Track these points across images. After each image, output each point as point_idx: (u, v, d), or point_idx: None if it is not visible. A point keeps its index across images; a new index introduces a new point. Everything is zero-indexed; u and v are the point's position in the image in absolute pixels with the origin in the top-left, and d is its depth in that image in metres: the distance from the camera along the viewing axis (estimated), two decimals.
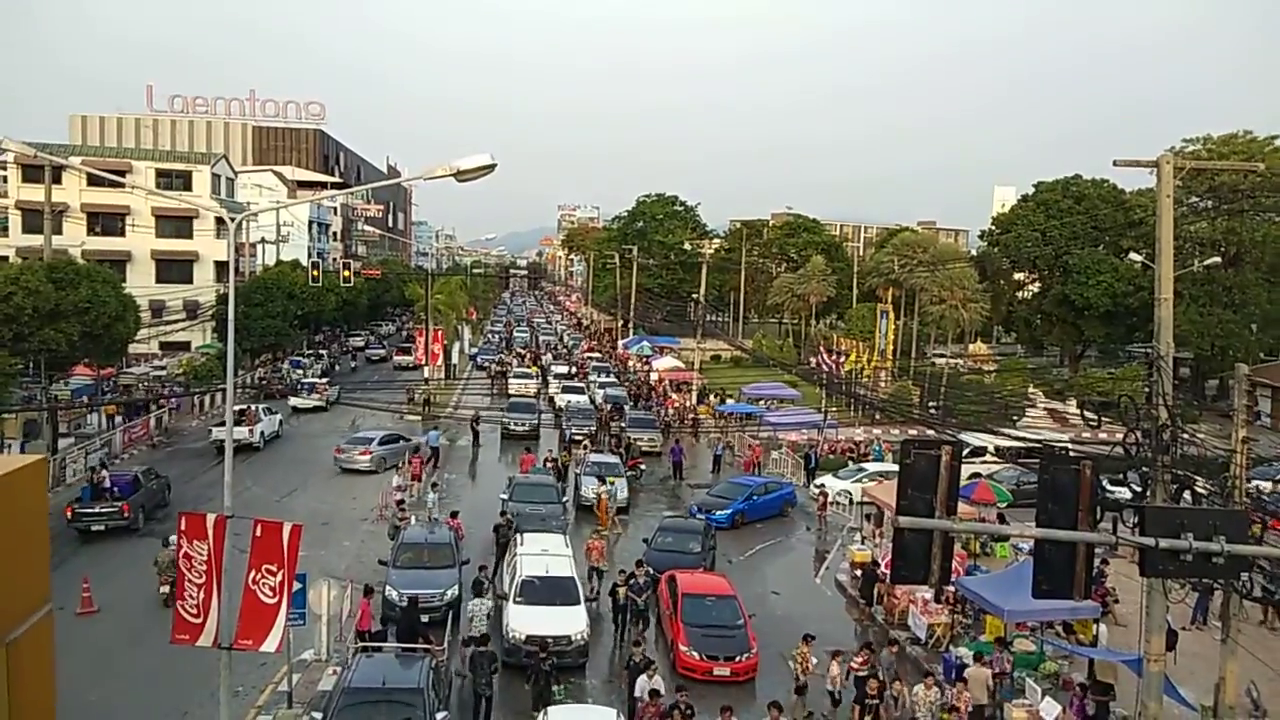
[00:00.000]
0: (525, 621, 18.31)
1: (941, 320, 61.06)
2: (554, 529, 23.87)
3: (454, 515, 24.62)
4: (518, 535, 22.54)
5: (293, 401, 46.11)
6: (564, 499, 27.90)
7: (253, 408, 38.68)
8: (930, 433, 35.72)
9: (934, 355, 66.58)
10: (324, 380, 50.72)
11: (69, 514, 25.15)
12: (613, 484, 29.58)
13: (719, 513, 28.55)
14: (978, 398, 48.43)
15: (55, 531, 23.82)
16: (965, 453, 33.10)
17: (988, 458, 35.16)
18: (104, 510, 25.45)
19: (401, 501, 26.20)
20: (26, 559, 2.24)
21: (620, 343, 75.47)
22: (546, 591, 19.17)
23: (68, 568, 22.34)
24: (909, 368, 58.11)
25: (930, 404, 48.06)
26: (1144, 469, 12.07)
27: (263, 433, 37.55)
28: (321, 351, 62.54)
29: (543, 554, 20.61)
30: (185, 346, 53.39)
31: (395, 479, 29.13)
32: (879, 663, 17.41)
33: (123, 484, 26.48)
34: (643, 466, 34.93)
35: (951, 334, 64.57)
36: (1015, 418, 45.51)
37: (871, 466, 34.35)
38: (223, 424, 35.34)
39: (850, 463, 37.32)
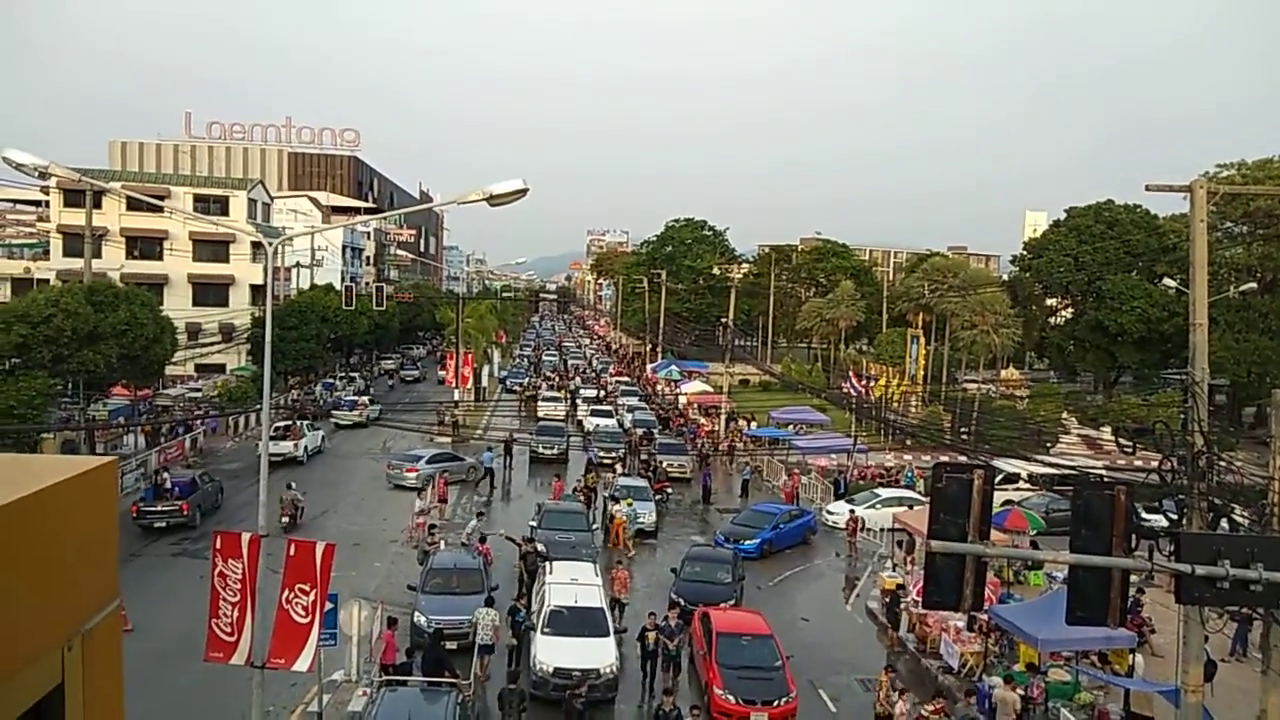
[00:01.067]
0: (554, 654, 17.93)
1: (973, 345, 60.57)
2: (584, 557, 23.67)
3: (482, 540, 24.49)
4: (546, 564, 22.30)
5: (335, 416, 48.21)
6: (594, 526, 27.75)
7: (298, 423, 40.66)
8: (962, 459, 35.38)
9: (965, 381, 66.03)
10: (364, 397, 52.23)
11: (134, 512, 28.02)
12: (630, 505, 29.49)
13: (747, 542, 28.00)
14: (1010, 424, 47.94)
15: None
16: (997, 479, 33.21)
17: (1020, 485, 34.72)
18: (166, 509, 28.34)
19: (433, 526, 26.13)
20: (100, 553, 2.35)
21: (649, 367, 75.55)
22: (575, 622, 18.71)
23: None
24: (940, 393, 57.63)
25: (962, 430, 47.63)
26: (1180, 496, 11.91)
27: (306, 447, 39.60)
28: (354, 374, 63.16)
29: (572, 583, 20.30)
30: (220, 369, 54.17)
31: (417, 502, 28.89)
32: (953, 712, 16.77)
33: (183, 485, 29.59)
34: (669, 490, 34.85)
35: (983, 359, 64.03)
36: (1048, 444, 44.98)
37: (886, 492, 34.02)
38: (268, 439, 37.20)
39: (881, 488, 37.07)
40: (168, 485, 29.40)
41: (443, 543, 24.80)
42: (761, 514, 30.12)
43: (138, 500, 29.04)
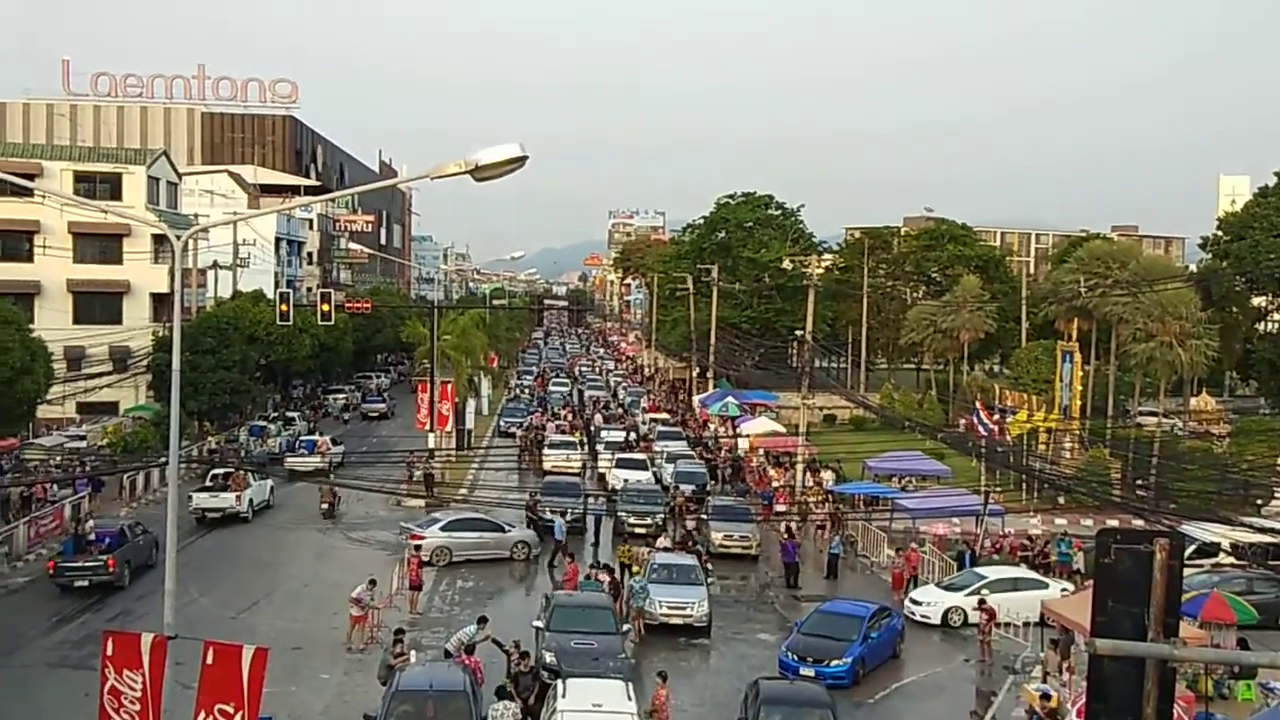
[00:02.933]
0: None
1: (1150, 363, 59.87)
2: (610, 672, 23.29)
3: (469, 651, 24.12)
4: (558, 683, 21.75)
5: (289, 462, 50.73)
6: (625, 628, 27.57)
7: (241, 471, 43.51)
8: (1138, 523, 34.90)
9: (1140, 413, 65.28)
10: (325, 437, 54.37)
11: (51, 569, 31.50)
12: (639, 575, 29.93)
13: (833, 663, 26.57)
14: (1205, 473, 47.26)
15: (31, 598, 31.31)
16: (1189, 551, 32.83)
17: (1221, 559, 34.18)
18: (89, 565, 31.37)
19: (399, 630, 25.87)
20: None
21: (696, 399, 75.51)
22: None
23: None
24: (1105, 431, 57.05)
25: (1137, 482, 46.96)
26: None
27: (251, 500, 41.87)
28: (291, 414, 63.84)
29: (594, 711, 20.01)
30: (112, 408, 54.89)
31: (360, 588, 28.46)
32: None
33: (110, 537, 32.50)
34: (709, 567, 34.61)
35: (1165, 383, 63.29)
36: (1259, 501, 44.29)
37: (992, 572, 33.63)
38: (203, 490, 41.08)
39: (1023, 563, 36.68)
40: (91, 537, 32.52)
41: (413, 654, 24.44)
42: (840, 618, 28.58)
43: (55, 555, 32.51)
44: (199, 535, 39.56)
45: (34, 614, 29.91)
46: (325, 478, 48.25)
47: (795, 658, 26.89)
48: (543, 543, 37.82)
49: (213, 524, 40.61)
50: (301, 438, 55.65)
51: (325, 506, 42.66)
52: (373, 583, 28.93)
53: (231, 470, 43.29)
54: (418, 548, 35.01)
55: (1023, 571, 34.22)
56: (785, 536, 38.02)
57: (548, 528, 38.38)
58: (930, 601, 32.42)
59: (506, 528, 38.01)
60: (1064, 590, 32.04)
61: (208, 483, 42.41)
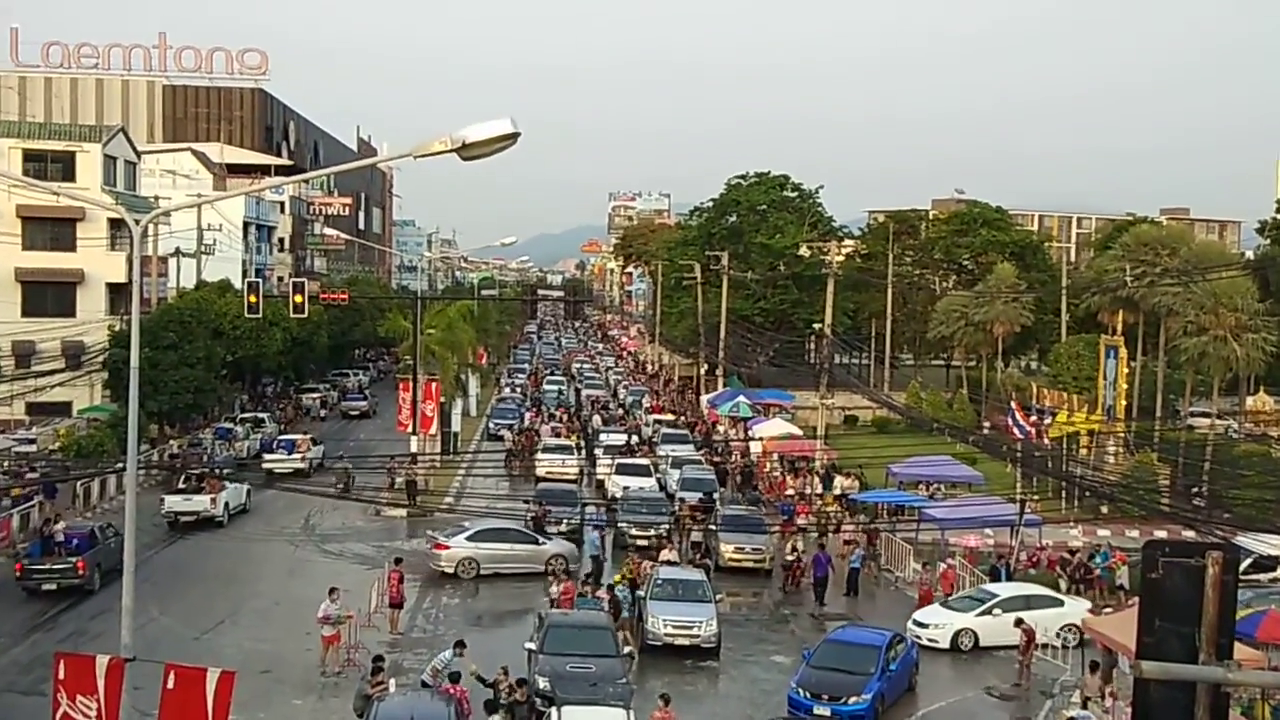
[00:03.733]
0: None
1: (1202, 359, 59.81)
2: (611, 700, 23.24)
3: (454, 679, 24.00)
4: (552, 711, 21.81)
5: (266, 462, 52.27)
6: (625, 650, 27.49)
7: (217, 472, 45.86)
8: (1189, 534, 34.87)
9: (1191, 414, 65.22)
10: (306, 437, 55.68)
11: (19, 571, 33.04)
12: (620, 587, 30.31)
13: (852, 701, 25.79)
14: (1262, 480, 47.23)
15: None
16: (1245, 565, 32.77)
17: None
18: (56, 567, 33.06)
19: (378, 658, 25.78)
20: None
21: (704, 399, 75.53)
22: None
23: None
24: (1152, 434, 57.01)
25: (1188, 490, 46.93)
26: None
27: (227, 504, 43.20)
28: (261, 415, 63.91)
29: None
30: (64, 409, 54.94)
31: (324, 605, 28.29)
32: None
33: (79, 539, 34.00)
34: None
35: (1219, 381, 63.24)
36: None
37: (1003, 589, 33.52)
38: (176, 493, 42.27)
39: (1063, 579, 36.67)
40: (60, 539, 34.18)
41: (392, 683, 24.24)
42: (854, 648, 27.77)
43: (23, 558, 34.02)
44: (164, 545, 39.86)
45: None
46: (305, 479, 49.62)
47: (808, 695, 25.95)
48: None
49: (186, 527, 41.64)
50: (279, 437, 56.59)
51: (340, 487, 45.59)
52: (333, 591, 28.68)
53: (205, 472, 44.93)
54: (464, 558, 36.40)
55: (1035, 589, 34.07)
56: (819, 548, 38.22)
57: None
58: (938, 624, 31.96)
59: (541, 540, 38.24)
60: (1088, 608, 32.04)
61: (180, 484, 43.32)
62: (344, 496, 44.06)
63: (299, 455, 52.75)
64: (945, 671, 30.54)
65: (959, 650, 31.31)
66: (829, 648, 27.96)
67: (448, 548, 36.96)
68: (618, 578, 34.22)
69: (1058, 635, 31.16)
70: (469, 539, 37.33)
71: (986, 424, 65.01)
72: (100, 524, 36.72)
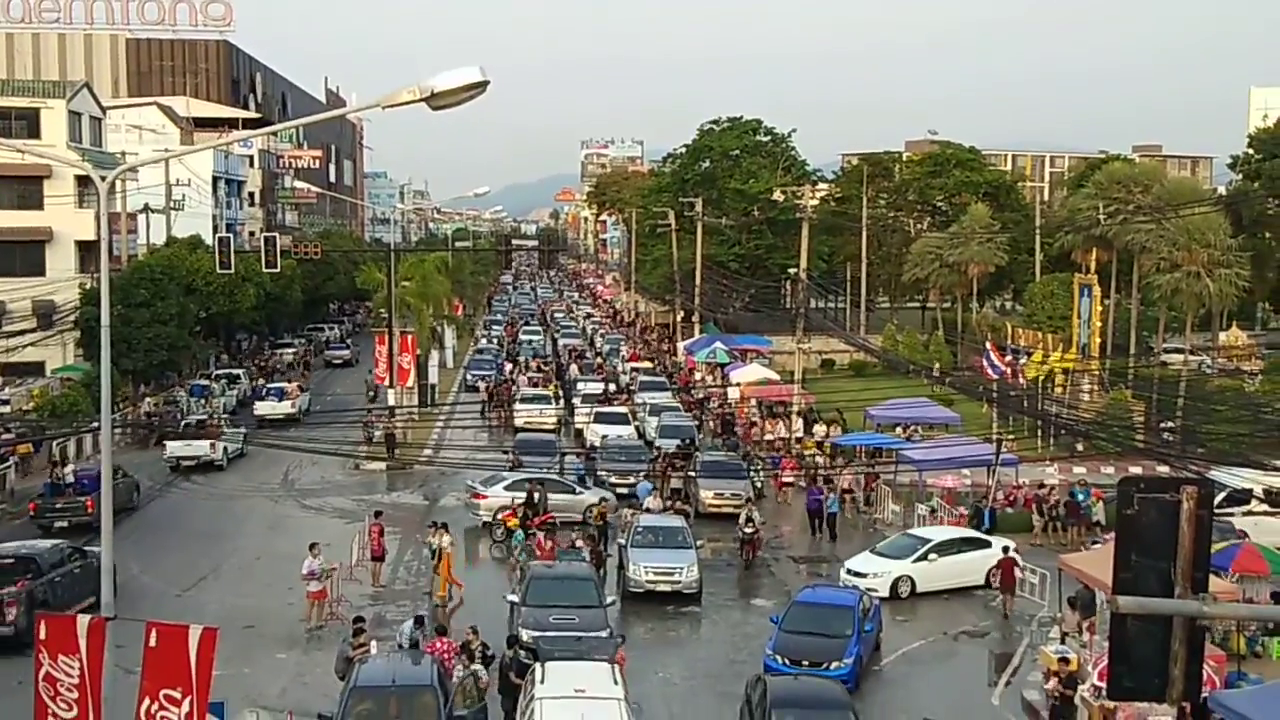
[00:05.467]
0: None
1: (1175, 296, 60.12)
2: (594, 654, 22.89)
3: (441, 632, 24.05)
4: (536, 666, 21.45)
5: (258, 409, 54.20)
6: (607, 601, 27.26)
7: (215, 416, 49.80)
8: (1163, 470, 35.13)
9: (1165, 351, 65.62)
10: (294, 384, 57.57)
11: (32, 510, 35.66)
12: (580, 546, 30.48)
13: (834, 666, 24.74)
14: (1235, 415, 47.62)
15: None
16: (1219, 499, 33.05)
17: (1254, 506, 34.45)
18: (67, 505, 35.57)
19: (359, 618, 25.16)
20: None
21: (682, 345, 75.55)
22: None
23: None
24: (1126, 371, 57.34)
25: (1162, 425, 47.25)
26: None
27: (226, 449, 45.58)
28: (236, 371, 63.68)
29: (576, 698, 19.82)
30: (37, 369, 54.61)
31: (307, 561, 28.14)
32: None
33: (88, 479, 35.54)
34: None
35: (1192, 317, 63.57)
36: None
37: (935, 534, 33.44)
38: (177, 439, 44.73)
39: (1038, 518, 36.98)
40: (69, 481, 36.96)
41: (374, 645, 23.74)
42: (827, 610, 26.65)
43: (36, 497, 36.46)
44: (158, 496, 41.17)
45: None
46: (297, 425, 51.66)
47: (786, 662, 24.77)
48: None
49: (188, 470, 44.35)
50: (269, 386, 58.32)
51: (383, 437, 47.20)
52: (313, 547, 28.62)
53: (205, 418, 49.11)
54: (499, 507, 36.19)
55: (964, 531, 34.22)
56: (811, 482, 38.53)
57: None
58: (876, 572, 31.11)
59: (579, 489, 38.25)
60: (1013, 548, 32.17)
61: (179, 429, 46.84)
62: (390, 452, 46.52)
63: (289, 402, 54.49)
64: (970, 604, 30.71)
65: (898, 598, 30.58)
66: (800, 610, 26.68)
67: (485, 497, 37.04)
68: (597, 512, 34.69)
69: (985, 578, 31.49)
70: (506, 488, 37.30)
71: (963, 365, 65.28)
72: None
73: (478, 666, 21.73)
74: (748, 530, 34.01)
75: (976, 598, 31.27)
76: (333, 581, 28.97)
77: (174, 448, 44.60)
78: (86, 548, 29.78)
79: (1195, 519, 8.58)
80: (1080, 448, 46.54)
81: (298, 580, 28.61)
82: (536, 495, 35.87)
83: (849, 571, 31.48)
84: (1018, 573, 30.77)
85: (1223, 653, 24.22)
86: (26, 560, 27.64)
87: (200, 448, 44.46)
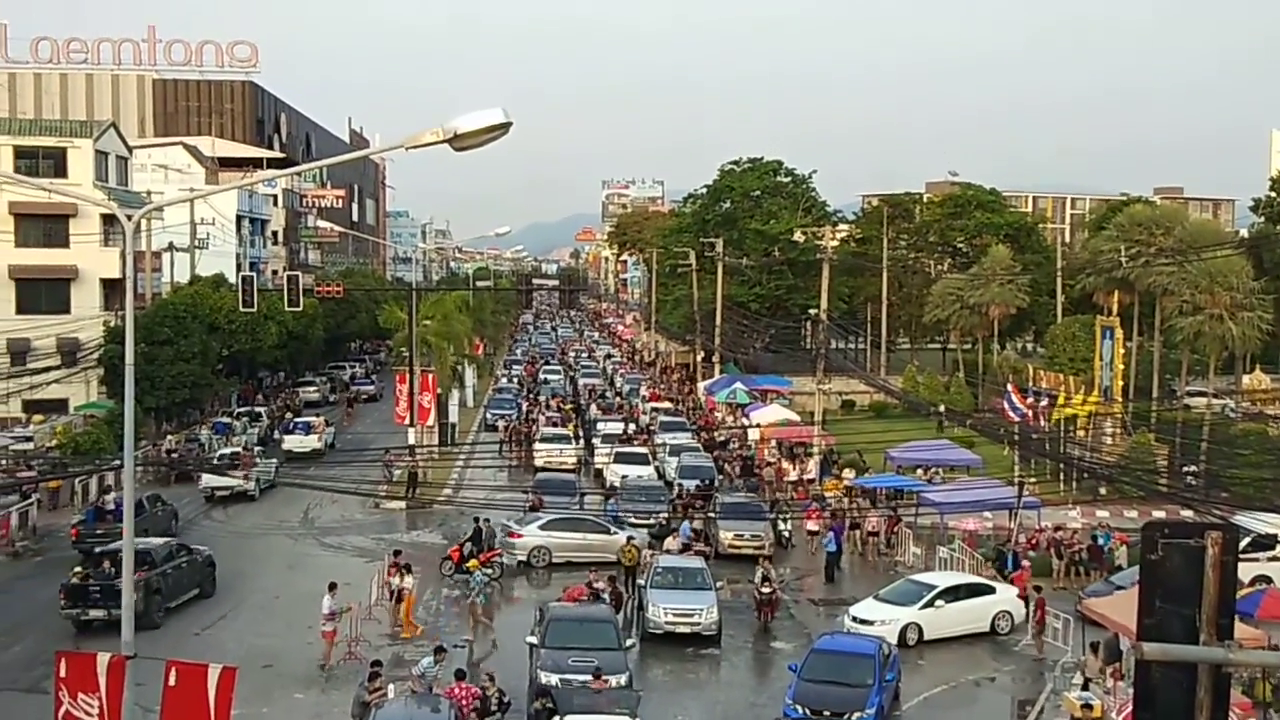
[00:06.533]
0: None
1: (1198, 339, 59.88)
2: (614, 708, 22.71)
3: (460, 676, 23.70)
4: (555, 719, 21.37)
5: (286, 443, 55.13)
6: (628, 644, 27.18)
7: (248, 448, 50.76)
8: (1188, 514, 34.93)
9: (1188, 394, 65.30)
10: (320, 418, 58.67)
11: (74, 535, 36.77)
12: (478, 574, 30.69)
13: (856, 717, 24.45)
14: (1260, 459, 47.34)
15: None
16: (1244, 544, 32.78)
17: (1279, 551, 34.23)
18: (108, 531, 35.29)
19: (376, 662, 24.88)
20: None
21: (702, 385, 75.53)
22: None
23: None
24: (1149, 414, 57.09)
25: (1186, 469, 46.97)
26: None
27: (259, 480, 46.57)
28: (258, 409, 63.93)
29: None
30: (61, 406, 54.88)
31: (326, 601, 28.11)
32: None
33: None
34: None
35: (1215, 360, 63.31)
36: None
37: (940, 579, 32.99)
38: (213, 471, 45.78)
39: (1059, 561, 36.72)
40: (110, 507, 37.21)
41: (391, 688, 23.74)
42: (847, 658, 26.34)
43: (78, 523, 37.46)
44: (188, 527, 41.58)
45: None
46: (322, 459, 52.61)
47: (807, 711, 24.35)
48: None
49: (222, 500, 45.36)
50: (295, 420, 59.39)
51: (400, 473, 47.91)
52: (333, 587, 28.58)
53: (238, 450, 50.08)
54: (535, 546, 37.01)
55: (970, 577, 33.85)
56: (833, 520, 38.49)
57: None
58: (883, 619, 30.29)
59: (614, 530, 38.19)
60: (1016, 594, 31.95)
61: (215, 462, 48.33)
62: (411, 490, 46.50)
63: (316, 436, 55.68)
64: (919, 659, 29.90)
65: (905, 646, 29.80)
66: (819, 658, 26.31)
67: (521, 536, 37.36)
68: (626, 553, 34.58)
69: (992, 623, 31.21)
70: (542, 528, 37.79)
71: (984, 407, 65.05)
72: (149, 494, 40.06)
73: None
74: (764, 590, 31.84)
75: (997, 642, 31.00)
76: (354, 621, 28.93)
77: (208, 479, 45.83)
78: (193, 546, 34.80)
79: (1220, 565, 8.53)
80: (1103, 491, 46.36)
81: (317, 619, 28.56)
82: (484, 531, 36.35)
83: (854, 619, 30.64)
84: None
85: (1248, 700, 24.07)
86: (143, 554, 30.26)
87: (234, 478, 45.67)
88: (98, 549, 34.01)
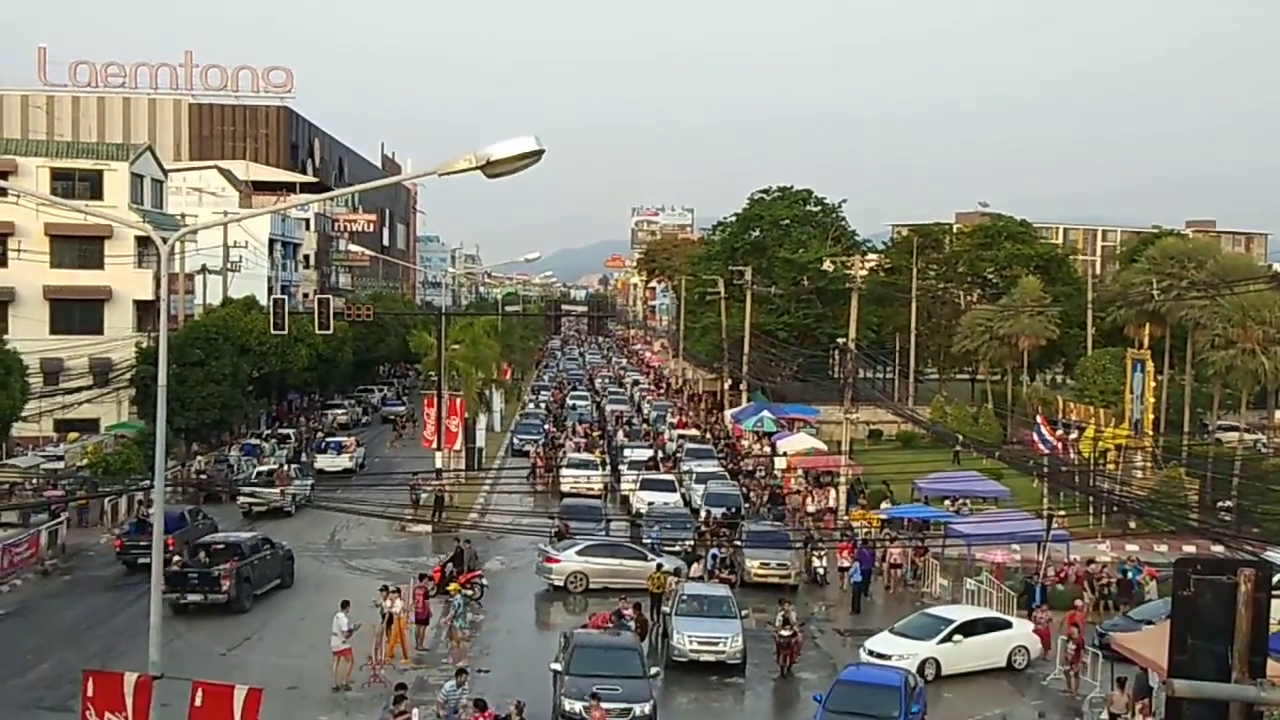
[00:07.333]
0: None
1: (1230, 373, 59.49)
2: None
3: (481, 707, 23.65)
4: None
5: (319, 463, 56.39)
6: (652, 672, 27.22)
7: (285, 466, 52.14)
8: (1219, 550, 34.62)
9: (1220, 428, 64.84)
10: (351, 438, 60.02)
11: (119, 547, 38.44)
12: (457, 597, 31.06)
13: None
14: None
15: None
16: (1277, 580, 32.45)
17: None
18: (150, 543, 33.43)
19: (401, 686, 24.77)
20: None
21: (729, 413, 75.44)
22: None
23: None
24: (1180, 448, 56.71)
25: (1219, 504, 46.59)
26: None
27: (295, 497, 47.64)
28: (286, 430, 64.18)
29: None
30: (93, 426, 55.22)
31: (340, 618, 28.02)
32: None
33: (169, 519, 34.92)
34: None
35: (1247, 394, 62.86)
36: None
37: (956, 613, 32.52)
38: (248, 485, 46.98)
39: (1088, 595, 36.38)
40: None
41: (416, 713, 23.75)
42: (872, 690, 26.06)
43: (122, 535, 39.12)
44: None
45: (6, 653, 30.02)
46: (351, 479, 54.24)
47: None
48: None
49: (258, 517, 46.04)
50: (329, 440, 61.01)
51: (426, 496, 48.48)
52: (345, 605, 28.54)
53: (275, 467, 51.70)
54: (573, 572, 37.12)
55: (986, 611, 33.58)
56: (859, 546, 38.25)
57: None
58: (901, 654, 29.92)
59: (650, 556, 38.05)
60: (1032, 629, 31.71)
61: (254, 479, 49.90)
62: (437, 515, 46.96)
63: (347, 455, 57.14)
64: (943, 692, 29.69)
65: (924, 681, 29.14)
66: (844, 690, 26.05)
67: (558, 561, 37.42)
68: (654, 581, 34.30)
69: (1008, 658, 30.98)
70: (579, 553, 37.93)
71: (1013, 438, 64.75)
72: (190, 508, 42.25)
73: None
74: (785, 634, 30.43)
75: (1024, 676, 30.78)
76: (377, 643, 28.88)
77: (246, 496, 47.25)
78: (276, 539, 37.48)
79: (1253, 602, 8.46)
80: (1133, 525, 46.06)
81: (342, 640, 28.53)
82: (466, 553, 36.81)
83: (870, 653, 30.22)
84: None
85: None
86: (234, 545, 35.27)
87: (270, 494, 47.07)
88: (140, 560, 36.06)
